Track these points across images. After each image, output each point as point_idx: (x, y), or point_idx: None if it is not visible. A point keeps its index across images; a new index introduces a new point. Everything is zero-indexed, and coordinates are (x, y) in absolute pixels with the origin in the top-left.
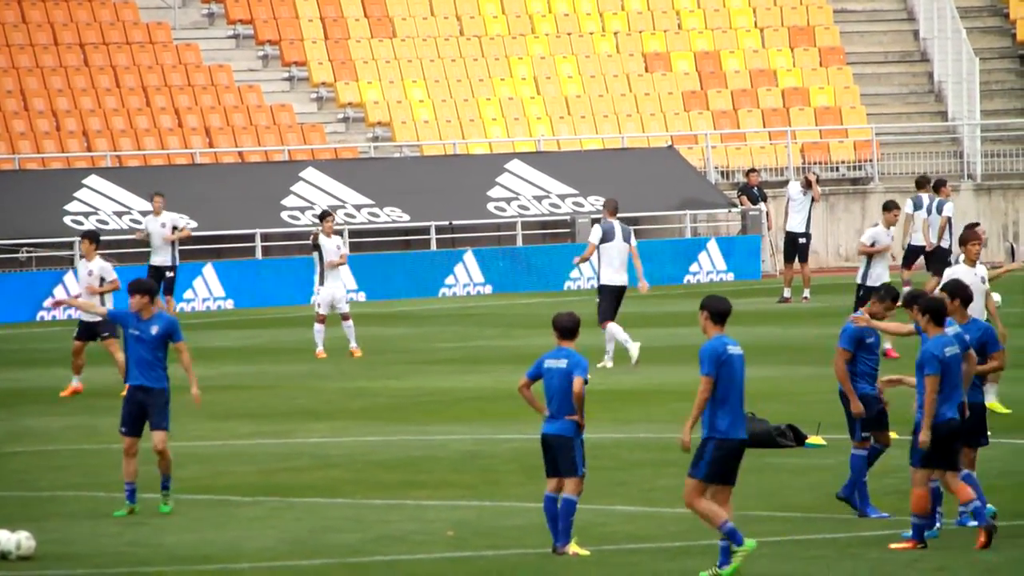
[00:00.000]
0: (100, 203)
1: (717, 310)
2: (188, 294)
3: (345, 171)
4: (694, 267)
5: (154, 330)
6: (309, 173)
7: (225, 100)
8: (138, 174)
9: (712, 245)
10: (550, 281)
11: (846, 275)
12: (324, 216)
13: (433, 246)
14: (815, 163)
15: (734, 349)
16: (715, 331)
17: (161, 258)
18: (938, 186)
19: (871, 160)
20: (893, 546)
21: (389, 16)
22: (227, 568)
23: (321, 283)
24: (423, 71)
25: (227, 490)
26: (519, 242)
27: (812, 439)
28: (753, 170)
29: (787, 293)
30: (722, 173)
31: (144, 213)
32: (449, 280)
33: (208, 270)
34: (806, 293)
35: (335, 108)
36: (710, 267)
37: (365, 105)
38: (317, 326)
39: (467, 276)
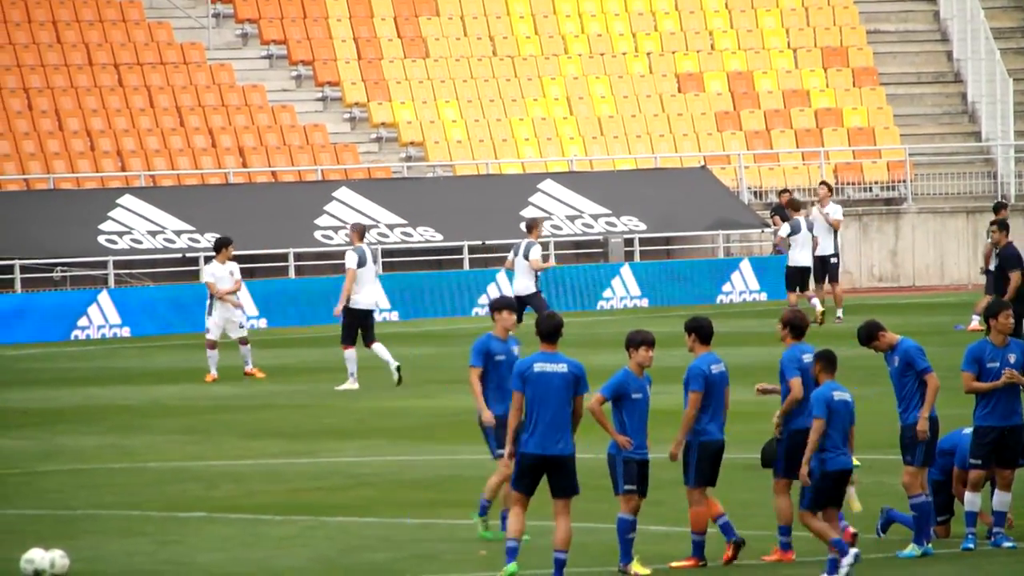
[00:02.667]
0: (134, 223)
1: (703, 331)
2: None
3: (378, 191)
4: (727, 287)
5: None
6: (342, 193)
7: (259, 120)
8: (172, 194)
9: (745, 265)
10: (583, 300)
11: (880, 295)
12: (224, 243)
13: (466, 266)
14: (849, 183)
15: (717, 367)
16: (702, 350)
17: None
18: (998, 209)
19: (904, 181)
20: (674, 564)
21: (422, 36)
22: None
23: (210, 311)
24: (456, 91)
25: (258, 509)
26: (552, 262)
27: None
28: (786, 190)
29: (819, 309)
30: (755, 193)
31: (178, 232)
32: (482, 300)
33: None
34: (839, 313)
35: (368, 128)
36: (743, 287)
37: (398, 125)
38: (242, 347)
39: (500, 295)
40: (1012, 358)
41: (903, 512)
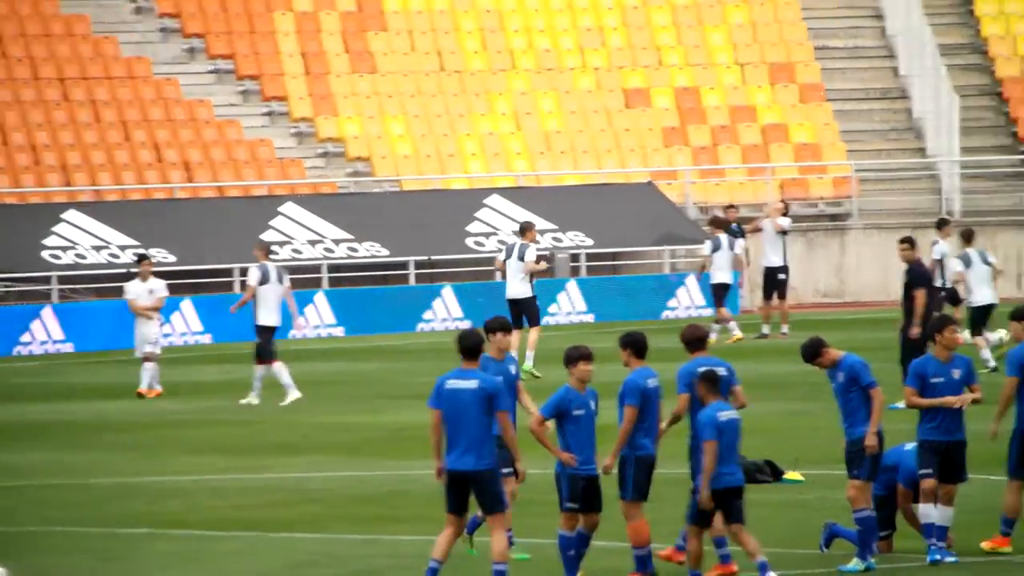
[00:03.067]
0: (78, 237)
1: (638, 346)
2: (166, 329)
3: (324, 206)
4: (672, 302)
5: None
6: (288, 208)
7: (205, 135)
8: (117, 209)
9: (691, 280)
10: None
11: (824, 311)
12: (142, 259)
13: (412, 281)
14: (794, 199)
15: (653, 382)
16: (637, 364)
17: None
18: (941, 225)
19: (850, 197)
20: None
21: (370, 51)
22: None
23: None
24: (403, 106)
25: (203, 525)
26: (498, 277)
27: (789, 475)
28: (731, 206)
29: (766, 329)
30: (701, 209)
31: (123, 247)
32: (427, 315)
33: (186, 305)
34: (784, 329)
35: (315, 143)
36: (688, 303)
37: (345, 140)
38: (145, 364)
39: (445, 311)
40: (956, 374)
41: (846, 527)
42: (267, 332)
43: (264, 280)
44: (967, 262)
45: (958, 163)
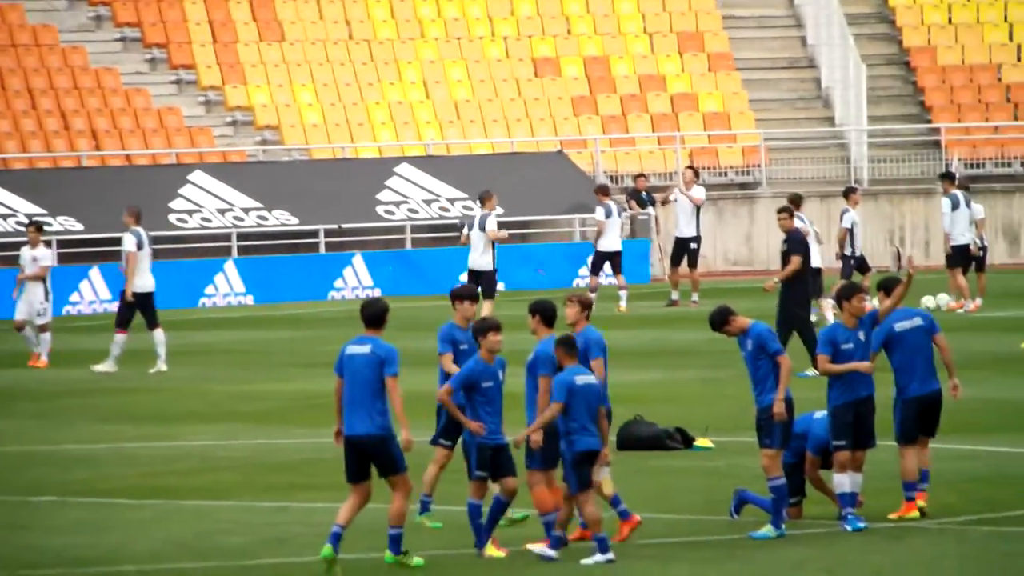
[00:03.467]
0: None
1: (547, 313)
2: (74, 297)
3: (233, 174)
4: (583, 271)
5: None
6: (197, 176)
7: (112, 103)
8: (24, 177)
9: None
10: (439, 284)
11: (734, 279)
12: (29, 225)
13: (322, 249)
14: (704, 168)
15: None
16: (546, 332)
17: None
18: (848, 193)
19: (759, 165)
20: (529, 545)
21: (278, 19)
22: (113, 571)
23: (18, 293)
24: (312, 74)
25: (113, 493)
26: (408, 245)
27: (700, 441)
28: (642, 175)
29: (675, 296)
30: (611, 178)
31: (29, 216)
32: (338, 283)
33: (95, 273)
34: (695, 297)
35: (223, 111)
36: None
37: (254, 108)
38: (26, 332)
39: (356, 279)
40: (862, 335)
41: (756, 493)
42: (145, 298)
43: (140, 246)
44: (608, 213)
45: (866, 132)
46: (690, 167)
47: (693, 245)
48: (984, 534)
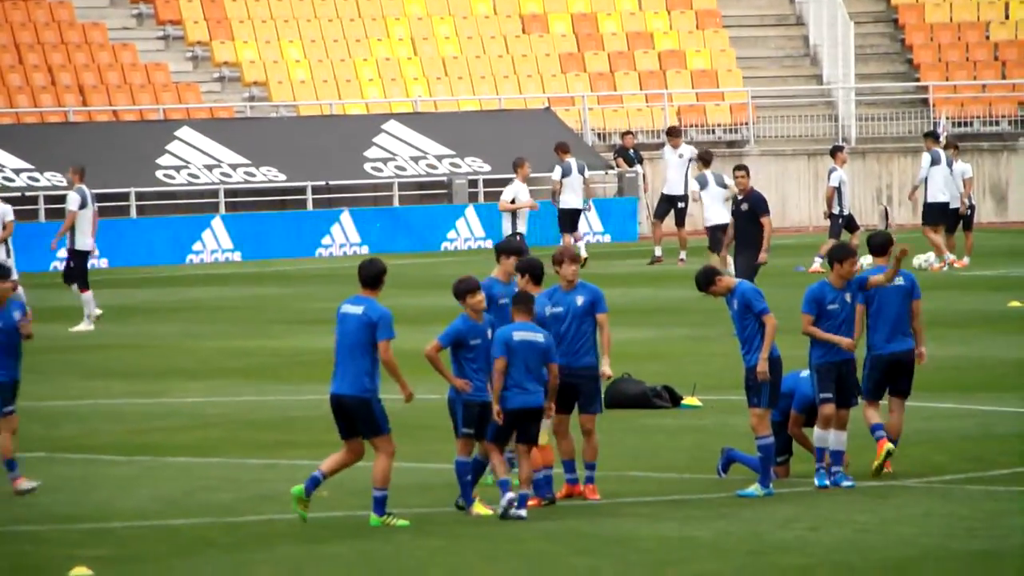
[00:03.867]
0: None
1: (536, 271)
2: (61, 253)
3: (221, 130)
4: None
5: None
6: (184, 132)
7: (99, 58)
8: (10, 132)
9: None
10: (427, 241)
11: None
12: None
13: (310, 206)
14: (692, 126)
15: (550, 309)
16: (535, 291)
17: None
18: (834, 152)
19: (747, 123)
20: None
21: None
22: (101, 528)
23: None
24: (299, 31)
25: (101, 449)
26: (396, 202)
27: (688, 400)
28: (629, 132)
29: (658, 252)
30: (599, 135)
31: (17, 171)
32: (326, 240)
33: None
34: (682, 255)
35: (211, 67)
36: (587, 228)
37: (241, 64)
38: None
39: (344, 236)
40: (849, 297)
41: (743, 452)
42: (83, 257)
43: (84, 204)
44: (703, 183)
45: (854, 90)
46: (673, 127)
47: (681, 204)
48: (972, 492)
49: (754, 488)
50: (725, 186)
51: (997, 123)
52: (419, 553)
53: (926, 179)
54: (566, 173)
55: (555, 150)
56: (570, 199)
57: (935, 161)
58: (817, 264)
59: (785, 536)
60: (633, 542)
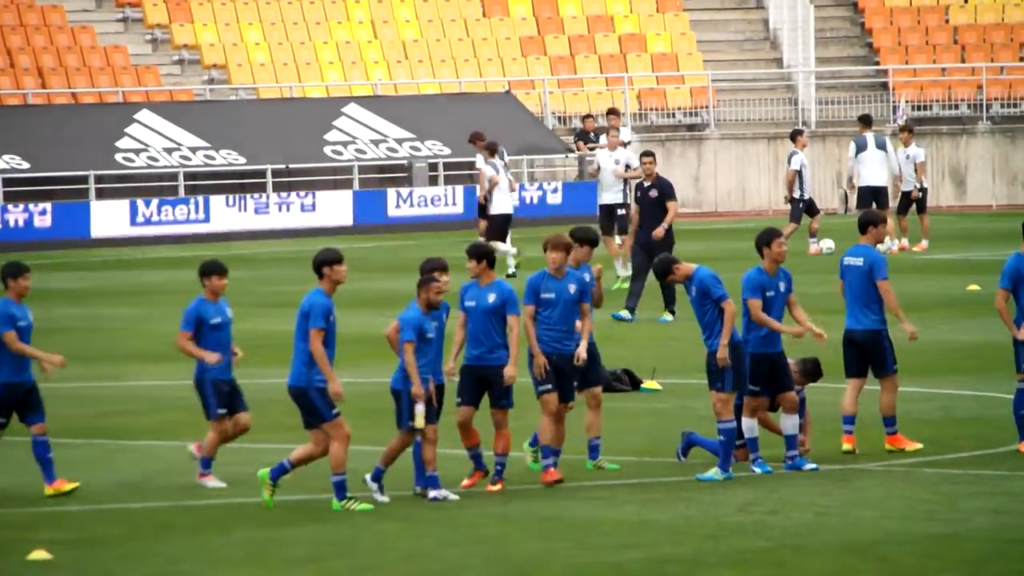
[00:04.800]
0: None
1: (492, 258)
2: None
3: (180, 113)
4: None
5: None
6: (144, 115)
7: (58, 40)
8: None
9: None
10: (386, 225)
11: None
12: None
13: (269, 189)
14: (652, 109)
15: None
16: (489, 278)
17: (611, 195)
18: (794, 136)
19: (707, 107)
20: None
21: None
22: (59, 511)
23: None
24: (259, 14)
25: (61, 433)
26: (356, 186)
27: (647, 383)
28: (590, 116)
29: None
30: (559, 119)
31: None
32: (287, 223)
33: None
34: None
35: (170, 50)
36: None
37: (200, 47)
38: None
39: (304, 219)
40: (782, 286)
41: (703, 436)
42: None
43: None
44: (496, 170)
45: (814, 74)
46: (612, 109)
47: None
48: (931, 476)
49: (714, 472)
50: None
51: (956, 107)
52: (378, 537)
53: (860, 165)
54: (497, 170)
55: (484, 149)
56: (502, 204)
57: (860, 147)
58: (819, 246)
59: (744, 520)
60: (592, 526)
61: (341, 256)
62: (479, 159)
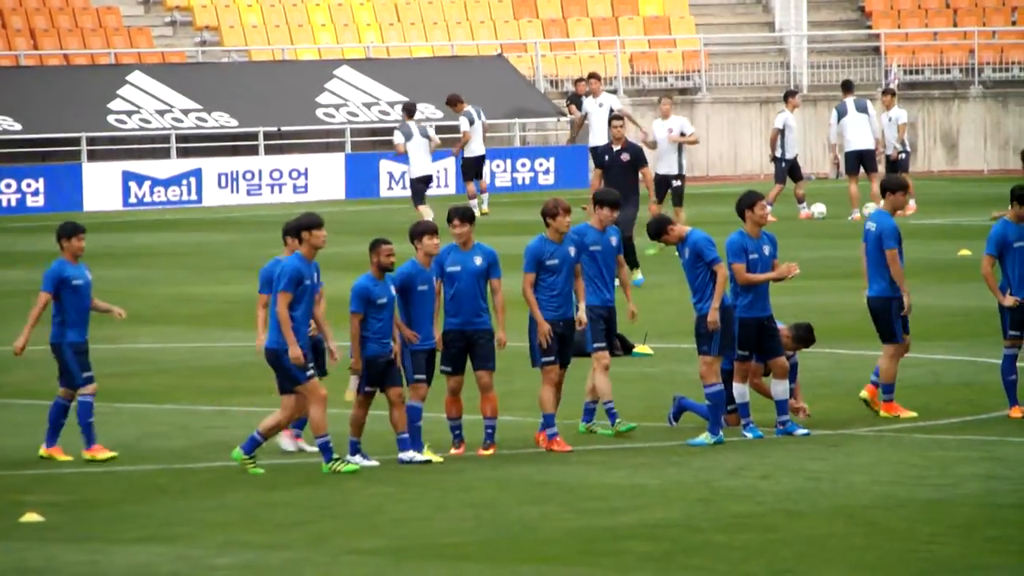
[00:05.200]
0: None
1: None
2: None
3: (172, 75)
4: (519, 177)
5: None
6: (136, 77)
7: (51, 2)
8: None
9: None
10: (377, 188)
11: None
12: None
13: (261, 152)
14: (644, 73)
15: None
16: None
17: (666, 165)
18: (787, 96)
19: (699, 70)
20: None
21: None
22: (52, 473)
23: None
24: None
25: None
26: (348, 149)
27: (639, 348)
28: (581, 79)
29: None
30: (551, 82)
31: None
32: (282, 181)
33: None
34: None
35: (163, 11)
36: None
37: (193, 9)
38: None
39: (296, 182)
40: (767, 250)
41: (695, 400)
42: None
43: None
44: (407, 135)
45: (806, 38)
46: (593, 74)
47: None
48: (922, 441)
49: (704, 437)
50: (428, 138)
51: (948, 71)
52: (370, 500)
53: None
54: (408, 137)
55: (404, 111)
56: (420, 167)
57: (841, 114)
58: (810, 211)
59: (736, 484)
60: (584, 490)
61: (320, 220)
62: (463, 121)
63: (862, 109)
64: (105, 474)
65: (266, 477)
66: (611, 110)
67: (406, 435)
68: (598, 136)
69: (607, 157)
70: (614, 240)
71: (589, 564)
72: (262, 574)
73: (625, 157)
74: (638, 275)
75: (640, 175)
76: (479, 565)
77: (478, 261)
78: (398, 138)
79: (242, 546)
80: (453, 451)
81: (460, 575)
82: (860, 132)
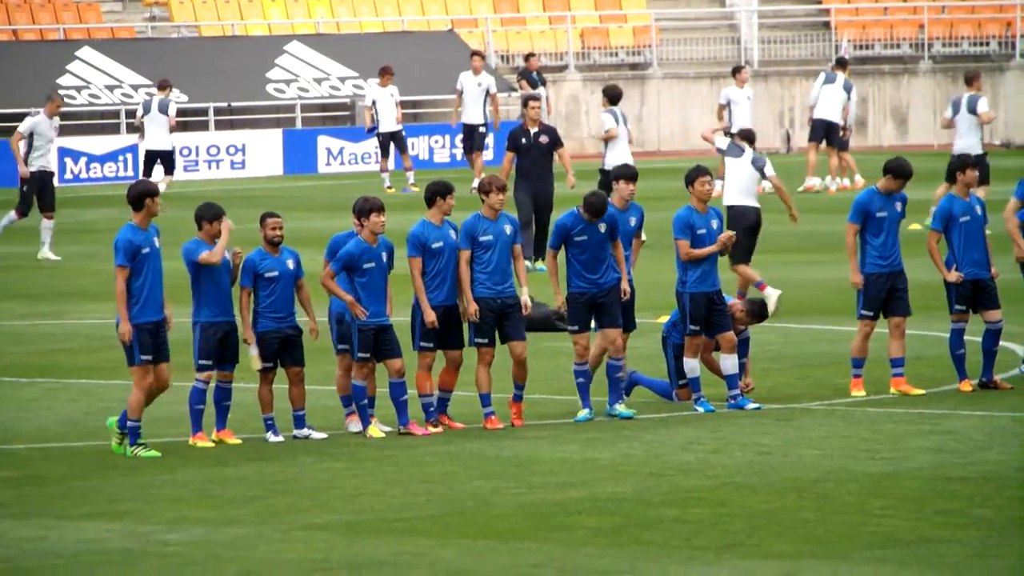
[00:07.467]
0: None
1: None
2: None
3: (122, 51)
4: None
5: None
6: (85, 52)
7: None
8: None
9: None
10: (328, 162)
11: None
12: None
13: (211, 128)
14: (595, 48)
15: (453, 234)
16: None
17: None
18: (735, 71)
19: (650, 46)
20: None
21: None
22: (2, 449)
23: None
24: None
25: (2, 371)
26: (298, 124)
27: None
28: (532, 55)
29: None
30: (502, 57)
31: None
32: (237, 158)
33: None
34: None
35: None
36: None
37: None
38: None
39: (247, 158)
40: (715, 224)
41: (647, 375)
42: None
43: None
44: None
45: (756, 13)
46: (531, 54)
47: (482, 130)
48: (872, 415)
49: (584, 413)
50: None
51: (898, 46)
52: (322, 475)
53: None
54: (146, 111)
55: (158, 86)
56: (155, 141)
57: (828, 81)
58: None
59: (687, 458)
60: (535, 464)
61: (375, 205)
62: (376, 89)
63: (847, 89)
64: (54, 449)
65: (218, 452)
66: (512, 89)
67: (302, 411)
68: (471, 114)
69: (524, 140)
70: (633, 221)
71: (540, 539)
72: (213, 550)
73: (544, 139)
74: (541, 263)
75: (556, 155)
76: (431, 540)
77: (508, 230)
78: (141, 110)
79: (193, 522)
80: (506, 422)
81: (412, 550)
82: (834, 105)
